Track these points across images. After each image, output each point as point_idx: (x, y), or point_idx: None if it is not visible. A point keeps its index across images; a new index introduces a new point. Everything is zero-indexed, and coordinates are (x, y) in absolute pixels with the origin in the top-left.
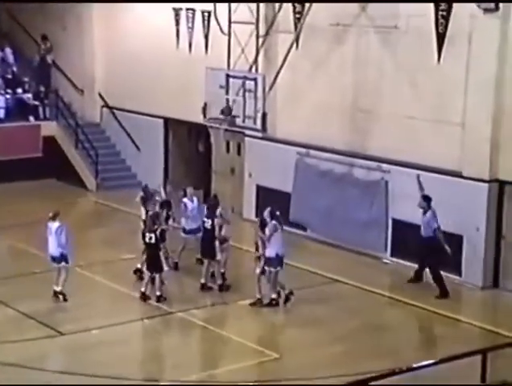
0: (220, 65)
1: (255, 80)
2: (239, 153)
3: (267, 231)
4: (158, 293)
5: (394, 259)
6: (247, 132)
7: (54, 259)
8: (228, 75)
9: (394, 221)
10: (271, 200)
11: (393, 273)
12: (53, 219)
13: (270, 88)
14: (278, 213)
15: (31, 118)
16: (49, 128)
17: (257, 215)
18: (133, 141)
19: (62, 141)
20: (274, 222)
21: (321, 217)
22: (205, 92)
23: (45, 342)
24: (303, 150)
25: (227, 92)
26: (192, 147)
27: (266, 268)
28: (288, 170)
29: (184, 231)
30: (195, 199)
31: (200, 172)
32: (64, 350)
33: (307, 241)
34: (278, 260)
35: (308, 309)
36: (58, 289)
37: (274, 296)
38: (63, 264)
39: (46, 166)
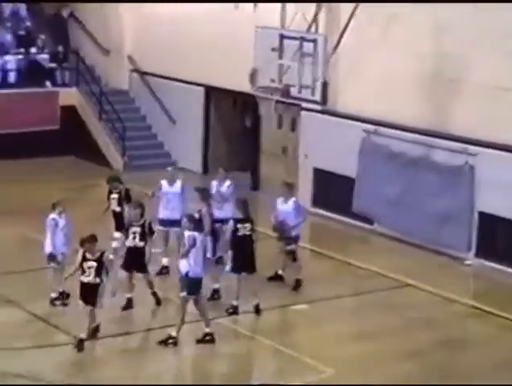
0: (273, 23)
1: (314, 41)
2: (293, 129)
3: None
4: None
5: (480, 260)
6: (303, 104)
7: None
8: (282, 36)
9: (481, 215)
10: (331, 187)
11: (477, 278)
12: (52, 209)
13: (333, 52)
14: (197, 216)
15: (48, 84)
16: (68, 95)
17: (314, 204)
18: (167, 113)
19: (83, 111)
20: (192, 233)
21: (391, 208)
22: (254, 56)
23: (58, 351)
24: (371, 127)
25: (280, 56)
26: (237, 121)
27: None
28: (352, 151)
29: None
30: (227, 182)
31: (247, 151)
32: (81, 359)
33: (373, 236)
34: (191, 284)
35: (373, 318)
36: (53, 295)
37: (207, 330)
38: (52, 265)
39: (64, 141)
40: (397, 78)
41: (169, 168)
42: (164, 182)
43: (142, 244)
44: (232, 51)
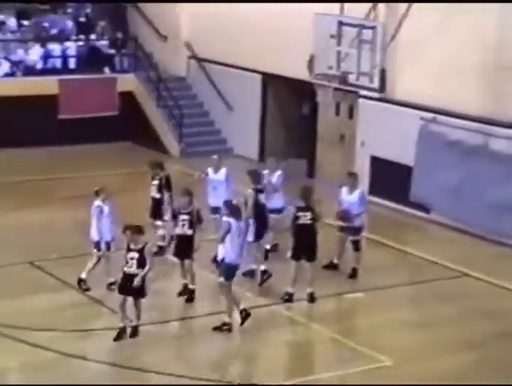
0: (332, 10)
1: (374, 28)
2: (351, 116)
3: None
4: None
5: None
6: (361, 92)
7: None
8: (340, 23)
9: None
10: (388, 175)
11: None
12: (96, 195)
13: (392, 39)
14: (241, 201)
15: (106, 70)
16: (126, 82)
17: (371, 192)
18: (224, 100)
19: (141, 97)
20: (227, 219)
21: (449, 197)
22: (312, 43)
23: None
24: (429, 115)
25: (339, 43)
26: (294, 108)
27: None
28: (410, 139)
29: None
30: (277, 172)
31: (303, 139)
32: (139, 343)
33: (430, 225)
34: (227, 270)
35: (430, 307)
36: (110, 279)
37: (226, 320)
38: (94, 251)
39: (121, 127)
40: (456, 65)
41: (214, 156)
42: (210, 170)
43: (190, 231)
44: (289, 37)
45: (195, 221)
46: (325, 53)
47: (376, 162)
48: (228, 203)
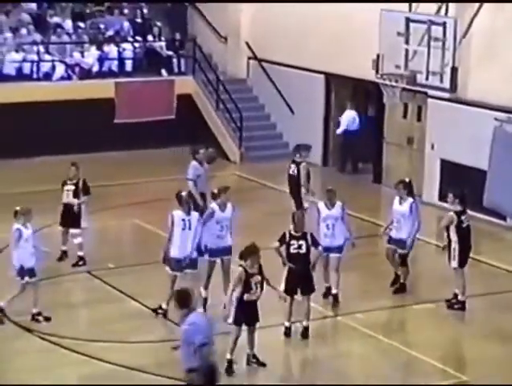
0: (399, 6)
1: (444, 25)
2: (419, 118)
3: None
4: None
5: None
6: (431, 92)
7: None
8: (408, 20)
9: None
10: (460, 179)
11: None
12: (15, 217)
13: (464, 36)
14: (183, 197)
15: (164, 72)
16: (185, 84)
17: (440, 198)
18: (286, 102)
19: (200, 100)
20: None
21: None
22: (379, 41)
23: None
24: (504, 116)
25: (407, 42)
26: (359, 110)
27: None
28: (483, 142)
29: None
30: (337, 204)
31: (369, 142)
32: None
33: (506, 233)
34: (170, 261)
35: (505, 320)
36: (34, 310)
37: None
38: (26, 279)
39: (179, 131)
40: None
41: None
42: (215, 206)
43: (75, 201)
44: (354, 36)
45: (79, 191)
46: (392, 52)
47: (447, 165)
48: (176, 195)
